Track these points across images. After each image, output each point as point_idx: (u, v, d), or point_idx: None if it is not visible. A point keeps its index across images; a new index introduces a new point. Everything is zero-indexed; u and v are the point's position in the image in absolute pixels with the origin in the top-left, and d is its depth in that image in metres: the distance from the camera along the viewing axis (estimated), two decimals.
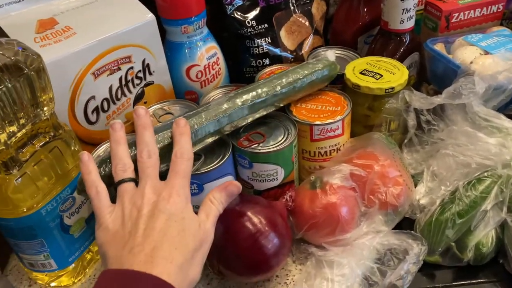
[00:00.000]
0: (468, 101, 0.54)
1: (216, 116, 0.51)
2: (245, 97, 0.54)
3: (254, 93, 0.54)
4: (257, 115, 0.55)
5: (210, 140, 0.52)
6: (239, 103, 0.53)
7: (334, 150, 0.60)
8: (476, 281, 0.52)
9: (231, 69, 0.72)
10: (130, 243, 0.38)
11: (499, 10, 0.71)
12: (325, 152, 0.59)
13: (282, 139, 0.55)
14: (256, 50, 0.70)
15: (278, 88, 0.56)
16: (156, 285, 0.35)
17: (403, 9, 0.64)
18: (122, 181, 0.42)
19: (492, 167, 0.53)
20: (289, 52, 0.72)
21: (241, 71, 0.72)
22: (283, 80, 0.57)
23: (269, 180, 0.56)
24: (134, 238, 0.38)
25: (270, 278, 0.54)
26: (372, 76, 0.60)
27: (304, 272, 0.52)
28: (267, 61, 0.71)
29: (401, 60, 0.69)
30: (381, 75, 0.60)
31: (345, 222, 0.53)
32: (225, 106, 0.52)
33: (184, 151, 0.44)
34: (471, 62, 0.60)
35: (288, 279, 0.54)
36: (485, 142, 0.55)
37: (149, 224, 0.38)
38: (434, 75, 0.68)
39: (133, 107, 0.62)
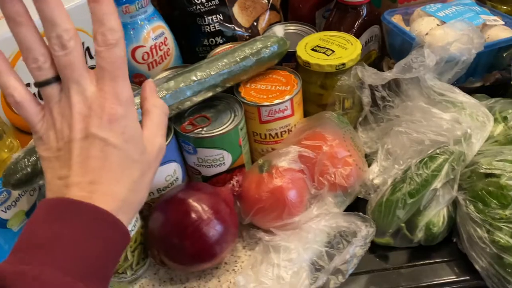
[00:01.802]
0: (419, 75, 0.52)
1: None
2: (186, 78, 0.51)
3: (196, 73, 0.52)
4: (200, 98, 0.53)
5: None
6: (179, 85, 0.50)
7: (285, 131, 0.57)
8: (430, 261, 0.51)
9: (184, 49, 0.69)
10: (65, 171, 0.32)
11: None
12: (276, 133, 0.57)
13: (228, 122, 0.53)
14: (207, 28, 0.67)
15: (222, 67, 0.53)
16: (97, 215, 0.31)
17: None
18: (42, 83, 0.33)
19: (445, 143, 0.51)
20: (243, 29, 0.69)
21: (194, 51, 0.69)
22: (228, 59, 0.54)
23: (216, 166, 0.54)
24: (69, 165, 0.32)
25: (218, 265, 0.52)
26: (324, 53, 0.58)
27: (252, 258, 0.51)
28: (220, 40, 0.68)
29: (359, 33, 0.66)
30: (333, 51, 0.58)
31: (292, 205, 0.51)
32: (164, 88, 0.50)
33: (110, 31, 0.32)
34: (427, 34, 0.57)
35: (236, 266, 0.52)
36: (439, 118, 0.53)
37: (83, 151, 0.32)
38: (392, 48, 0.65)
39: None
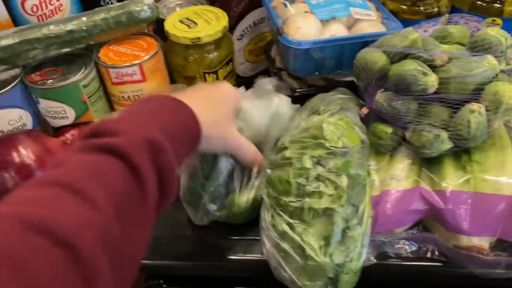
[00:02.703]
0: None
1: None
2: (36, 31, 0.54)
3: (48, 27, 0.55)
4: (53, 52, 0.56)
5: None
6: (26, 37, 0.54)
7: (138, 95, 0.59)
8: (239, 238, 0.53)
9: (86, 7, 0.71)
10: None
11: None
12: (129, 97, 0.59)
13: (72, 78, 0.56)
14: None
15: (78, 26, 0.56)
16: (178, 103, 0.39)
17: None
18: None
19: None
20: None
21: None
22: (87, 18, 0.56)
23: (59, 118, 0.57)
24: None
25: None
26: (188, 25, 0.59)
27: None
28: (116, 2, 0.69)
29: (246, 12, 0.66)
30: (196, 25, 0.59)
31: None
32: (10, 40, 0.53)
33: None
34: (287, 20, 0.57)
35: None
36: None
37: None
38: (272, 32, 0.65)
39: None
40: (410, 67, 0.46)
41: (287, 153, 0.48)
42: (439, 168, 0.47)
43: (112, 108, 0.62)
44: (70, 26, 0.56)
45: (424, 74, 0.45)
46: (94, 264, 0.26)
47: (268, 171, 0.50)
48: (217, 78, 0.61)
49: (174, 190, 0.35)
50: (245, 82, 0.71)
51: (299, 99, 0.57)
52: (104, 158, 0.31)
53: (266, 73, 0.70)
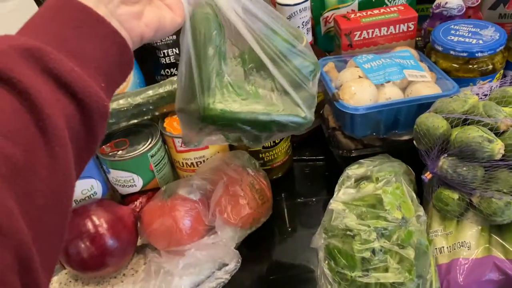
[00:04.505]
0: None
1: None
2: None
3: (118, 102, 0.59)
4: (122, 124, 0.60)
5: None
6: None
7: (200, 162, 0.62)
8: None
9: (147, 76, 0.76)
10: None
11: (410, 30, 0.67)
12: (192, 163, 0.62)
13: (140, 148, 0.59)
14: (163, 60, 0.74)
15: (143, 99, 0.60)
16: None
17: None
18: None
19: None
20: None
21: (154, 79, 0.76)
22: (150, 92, 0.60)
23: (128, 186, 0.61)
24: None
25: (117, 275, 0.58)
26: None
27: (138, 274, 0.57)
28: (175, 71, 0.74)
29: None
30: None
31: (180, 233, 0.55)
32: None
33: None
34: (341, 85, 0.59)
35: (132, 278, 0.58)
36: None
37: None
38: (325, 94, 0.67)
39: None
40: (474, 134, 0.46)
41: (346, 223, 0.48)
42: (511, 235, 0.46)
43: (175, 174, 0.65)
44: (138, 100, 0.60)
45: (490, 141, 0.45)
46: None
47: (324, 239, 0.50)
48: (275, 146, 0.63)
49: (94, 92, 0.29)
50: (298, 141, 0.73)
51: (353, 160, 0.58)
52: None
53: (320, 131, 0.71)
